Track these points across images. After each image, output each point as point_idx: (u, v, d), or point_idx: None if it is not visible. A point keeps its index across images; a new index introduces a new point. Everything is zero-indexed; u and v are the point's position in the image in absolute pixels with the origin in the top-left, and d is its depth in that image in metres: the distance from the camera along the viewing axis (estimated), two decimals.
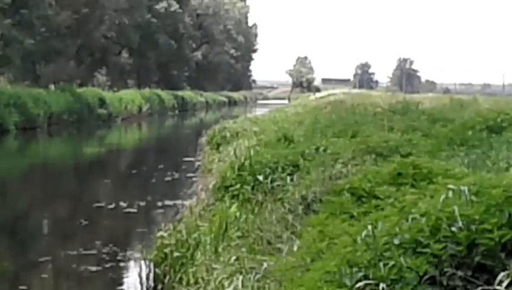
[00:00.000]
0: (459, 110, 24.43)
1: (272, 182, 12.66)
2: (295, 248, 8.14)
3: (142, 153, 41.75)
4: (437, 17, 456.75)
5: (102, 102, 65.23)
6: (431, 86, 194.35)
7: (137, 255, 13.63)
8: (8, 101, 47.78)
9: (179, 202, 19.03)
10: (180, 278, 10.46)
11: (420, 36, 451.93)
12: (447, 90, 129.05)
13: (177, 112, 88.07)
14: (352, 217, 7.94)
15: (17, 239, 17.26)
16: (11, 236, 17.66)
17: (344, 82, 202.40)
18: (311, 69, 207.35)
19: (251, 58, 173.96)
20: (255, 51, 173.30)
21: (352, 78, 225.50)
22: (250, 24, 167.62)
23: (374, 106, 28.70)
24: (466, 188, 6.47)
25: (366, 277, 5.79)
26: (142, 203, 20.68)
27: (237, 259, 9.05)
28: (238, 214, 11.58)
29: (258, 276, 7.99)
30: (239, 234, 10.49)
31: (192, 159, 28.83)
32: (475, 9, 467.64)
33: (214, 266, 9.53)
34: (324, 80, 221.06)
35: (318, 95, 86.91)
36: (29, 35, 60.91)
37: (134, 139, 54.98)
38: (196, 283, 9.62)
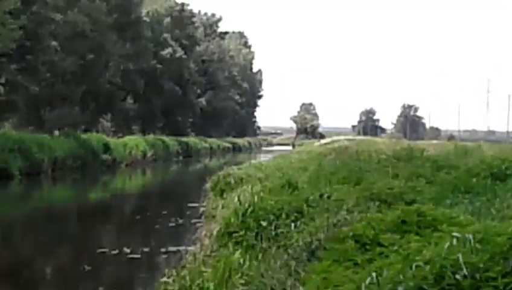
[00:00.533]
0: (464, 157, 24.46)
1: (275, 228, 12.63)
2: None
3: (146, 199, 41.68)
4: (441, 64, 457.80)
5: (106, 148, 65.34)
6: (435, 132, 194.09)
7: None
8: (13, 147, 47.70)
9: (182, 248, 18.97)
10: None
11: (425, 83, 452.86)
12: (451, 137, 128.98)
13: (181, 157, 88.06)
14: (356, 264, 7.91)
15: (20, 285, 17.21)
16: (14, 281, 17.61)
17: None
18: (315, 115, 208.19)
19: (256, 104, 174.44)
20: (259, 97, 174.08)
21: (356, 125, 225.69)
22: (255, 70, 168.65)
23: (378, 153, 28.71)
24: (471, 236, 6.47)
25: None
26: (146, 249, 20.62)
27: None
28: (241, 260, 11.52)
29: None
30: (243, 280, 10.42)
31: (196, 205, 28.82)
32: (479, 56, 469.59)
33: None
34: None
35: (323, 141, 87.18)
36: (34, 81, 60.99)
37: (139, 184, 54.92)
38: None
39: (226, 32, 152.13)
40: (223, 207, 20.20)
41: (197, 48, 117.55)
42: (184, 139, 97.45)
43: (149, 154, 75.19)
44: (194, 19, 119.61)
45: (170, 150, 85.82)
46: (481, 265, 5.95)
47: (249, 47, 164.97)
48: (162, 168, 73.20)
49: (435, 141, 70.60)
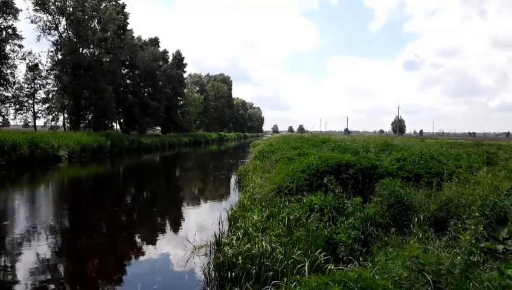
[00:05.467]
0: (316, 138, 23.83)
1: (267, 155, 12.56)
2: (273, 171, 8.15)
3: (233, 149, 39.70)
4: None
5: (225, 136, 64.54)
6: (313, 133, 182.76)
7: (234, 174, 13.40)
8: (195, 138, 45.14)
9: (243, 160, 18.51)
10: (244, 180, 10.11)
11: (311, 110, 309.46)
12: (320, 133, 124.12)
13: (242, 140, 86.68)
14: (287, 164, 7.87)
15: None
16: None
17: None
18: (277, 127, 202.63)
19: (262, 125, 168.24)
20: (263, 123, 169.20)
21: (295, 129, 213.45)
22: (262, 116, 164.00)
23: (296, 137, 27.96)
24: (317, 157, 6.49)
25: (291, 181, 5.82)
26: (232, 161, 19.87)
27: (260, 175, 9.02)
28: (259, 163, 11.42)
29: (264, 178, 7.86)
30: (260, 168, 10.39)
31: (248, 150, 28.19)
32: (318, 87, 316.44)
33: (254, 176, 9.46)
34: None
35: (279, 134, 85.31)
36: (207, 119, 60.52)
37: (231, 146, 53.57)
38: (249, 180, 9.27)
39: (252, 106, 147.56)
40: (254, 151, 19.97)
41: (243, 112, 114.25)
42: (241, 134, 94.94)
43: (235, 137, 74.36)
44: (240, 104, 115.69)
45: (241, 136, 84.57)
46: (321, 166, 5.97)
47: (260, 111, 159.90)
48: (236, 142, 71.64)
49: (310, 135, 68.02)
